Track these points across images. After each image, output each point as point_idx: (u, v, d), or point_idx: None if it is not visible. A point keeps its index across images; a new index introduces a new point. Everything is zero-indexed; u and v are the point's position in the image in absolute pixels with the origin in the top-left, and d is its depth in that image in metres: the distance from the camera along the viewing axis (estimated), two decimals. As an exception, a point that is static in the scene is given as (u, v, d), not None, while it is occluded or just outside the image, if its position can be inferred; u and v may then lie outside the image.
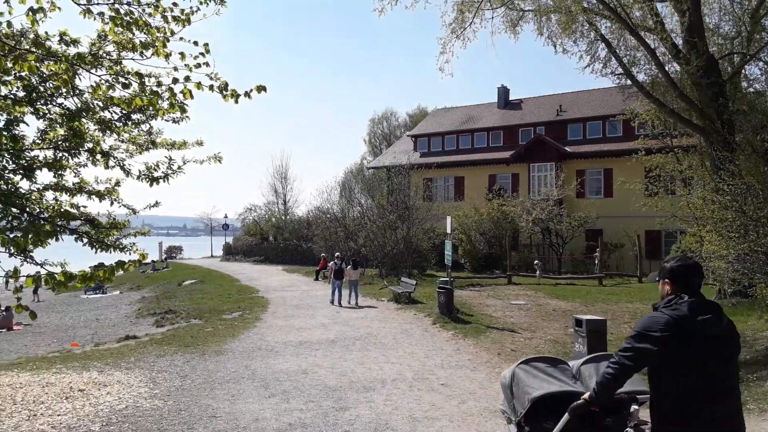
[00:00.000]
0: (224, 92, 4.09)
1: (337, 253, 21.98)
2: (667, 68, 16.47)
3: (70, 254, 4.83)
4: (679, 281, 3.36)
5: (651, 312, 3.37)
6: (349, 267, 20.19)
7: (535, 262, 26.52)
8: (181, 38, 4.23)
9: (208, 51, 4.24)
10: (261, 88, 4.05)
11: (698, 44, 15.01)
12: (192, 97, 4.09)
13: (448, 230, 17.91)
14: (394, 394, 8.55)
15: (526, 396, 4.07)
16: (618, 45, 16.80)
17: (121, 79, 4.33)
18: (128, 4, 3.99)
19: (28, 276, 3.25)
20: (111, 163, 5.00)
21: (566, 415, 3.54)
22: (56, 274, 3.31)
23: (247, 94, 4.13)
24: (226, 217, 57.00)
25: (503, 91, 40.78)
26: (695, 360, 3.15)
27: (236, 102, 4.10)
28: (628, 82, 16.95)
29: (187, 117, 4.79)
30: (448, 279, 17.13)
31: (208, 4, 4.13)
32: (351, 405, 8.02)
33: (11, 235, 4.27)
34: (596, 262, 27.67)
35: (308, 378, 9.62)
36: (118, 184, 5.22)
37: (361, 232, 28.62)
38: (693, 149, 18.52)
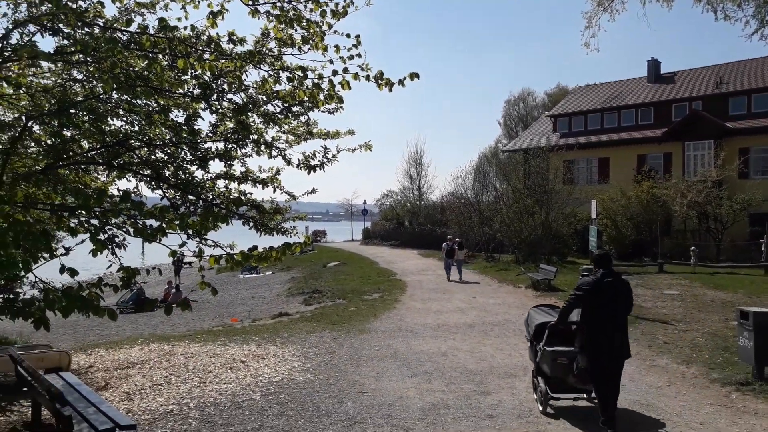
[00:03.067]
0: (379, 81, 4.25)
1: (449, 236, 24.96)
2: None
3: (232, 238, 5.30)
4: (597, 264, 6.75)
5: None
6: (456, 248, 22.72)
7: (692, 249, 24.43)
8: (335, 31, 4.46)
9: (359, 43, 4.42)
10: (414, 75, 4.16)
11: None
12: (350, 87, 4.31)
13: (593, 215, 17.09)
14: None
15: (534, 323, 7.50)
16: (794, 5, 14.85)
17: (286, 74, 4.66)
18: (289, 1, 4.28)
19: (211, 256, 3.64)
20: (273, 153, 5.41)
21: (547, 331, 7.04)
22: (235, 254, 3.67)
23: (401, 82, 4.25)
24: (365, 202, 59.06)
25: (654, 65, 37.72)
26: (602, 302, 6.31)
27: (390, 90, 4.25)
28: (806, 46, 14.96)
29: (341, 107, 5.05)
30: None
31: (360, -5, 4.30)
32: (493, 390, 8.02)
33: (191, 219, 4.79)
34: (763, 249, 24.89)
35: (448, 360, 9.75)
36: (278, 172, 5.63)
37: (497, 218, 28.18)
38: None
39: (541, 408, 7.04)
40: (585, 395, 7.10)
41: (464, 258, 23.93)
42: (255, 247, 4.29)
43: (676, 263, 24.12)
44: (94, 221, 4.37)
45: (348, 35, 4.44)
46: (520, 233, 25.60)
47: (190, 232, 4.54)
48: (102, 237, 4.32)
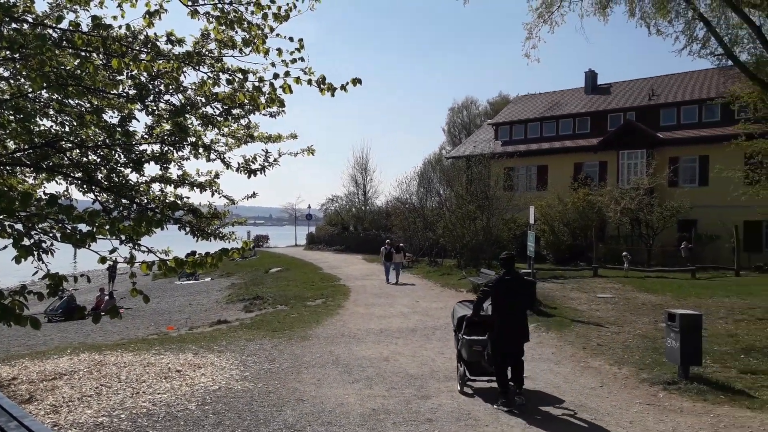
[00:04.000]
0: (321, 86, 4.23)
1: (387, 240, 25.80)
2: (773, 45, 15.27)
3: (168, 243, 5.15)
4: (502, 265, 8.01)
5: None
6: (395, 251, 23.74)
7: (624, 254, 25.47)
8: (277, 35, 4.40)
9: (302, 46, 4.39)
10: (356, 81, 4.16)
11: (811, 20, 13.84)
12: (291, 91, 4.25)
13: (531, 220, 17.54)
14: (476, 385, 8.53)
15: (457, 316, 8.74)
16: (718, 23, 15.76)
17: (225, 76, 4.56)
18: (230, 3, 4.20)
19: (143, 262, 3.51)
20: (212, 156, 5.29)
21: (464, 323, 8.25)
22: (169, 260, 3.56)
23: (344, 87, 4.24)
24: (309, 207, 58.62)
25: (591, 76, 39.20)
26: (505, 296, 7.68)
27: (332, 95, 4.23)
28: (729, 62, 15.87)
29: (283, 111, 4.99)
30: (530, 270, 16.81)
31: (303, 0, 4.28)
32: (433, 393, 8.09)
33: (123, 224, 4.62)
34: (685, 254, 26.25)
35: (390, 365, 9.78)
36: (217, 176, 5.51)
37: (440, 223, 28.54)
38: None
39: (459, 388, 8.27)
40: (497, 381, 7.93)
41: (403, 261, 24.96)
42: (194, 253, 4.17)
43: (610, 267, 25.08)
44: (18, 226, 4.15)
45: (291, 39, 4.40)
46: (462, 238, 26.01)
47: (123, 237, 4.38)
48: (27, 243, 4.11)
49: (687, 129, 31.08)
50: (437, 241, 28.93)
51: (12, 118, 4.88)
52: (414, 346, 11.41)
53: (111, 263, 4.07)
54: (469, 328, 8.19)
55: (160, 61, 4.43)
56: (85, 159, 5.41)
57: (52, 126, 5.34)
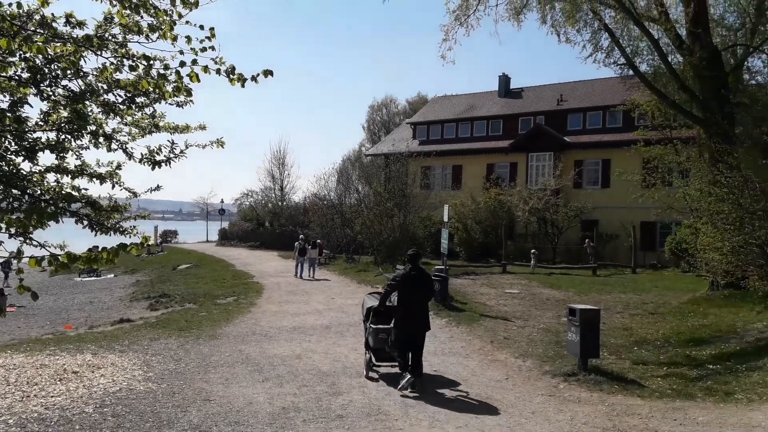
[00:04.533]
0: (231, 76, 4.10)
1: (300, 236, 26.48)
2: (669, 59, 16.49)
3: (67, 237, 4.84)
4: (409, 260, 8.64)
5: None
6: (309, 247, 24.49)
7: (532, 251, 26.63)
8: (187, 22, 4.23)
9: (213, 35, 4.24)
10: (267, 72, 4.07)
11: (702, 35, 15.04)
12: (199, 80, 4.10)
13: (445, 218, 17.97)
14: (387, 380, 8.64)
15: (366, 306, 9.40)
16: (621, 35, 16.81)
17: (129, 62, 4.33)
18: (135, -14, 3.99)
19: (31, 257, 3.27)
20: (113, 146, 4.99)
21: (372, 313, 8.94)
22: (60, 255, 3.34)
23: (254, 78, 4.14)
24: (222, 202, 57.00)
25: (504, 80, 40.65)
26: (409, 290, 8.34)
27: (243, 86, 4.12)
28: (631, 72, 16.98)
29: (191, 101, 4.79)
30: (443, 267, 17.21)
31: (215, -13, 4.13)
32: (344, 390, 8.11)
33: (14, 216, 4.29)
34: (589, 252, 27.84)
35: (302, 363, 9.71)
36: (119, 167, 5.21)
37: (358, 220, 28.66)
38: (692, 141, 18.63)
39: (365, 373, 8.91)
40: (398, 364, 8.62)
41: (318, 258, 25.97)
42: (96, 248, 3.94)
43: (518, 264, 26.16)
44: None
45: (201, 27, 4.24)
46: (380, 235, 26.25)
47: (12, 230, 4.06)
48: None
49: (592, 134, 32.93)
50: (355, 238, 29.04)
51: None
52: (327, 343, 11.39)
53: (4, 259, 3.78)
54: (376, 317, 8.91)
55: (57, 44, 4.14)
56: (-31, 145, 4.97)
57: (-69, 109, 4.86)
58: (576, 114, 34.32)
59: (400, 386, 8.06)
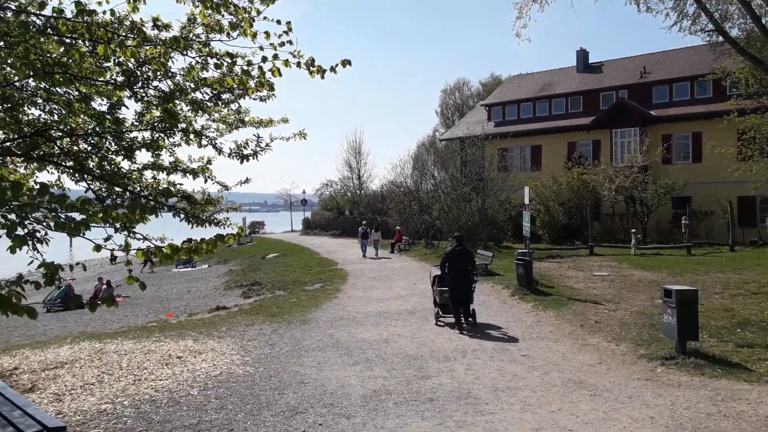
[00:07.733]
0: (311, 68, 4.18)
1: (363, 221, 29.80)
2: (764, 21, 15.20)
3: (163, 231, 5.13)
4: (455, 240, 12.19)
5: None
6: (372, 231, 27.91)
7: (632, 230, 25.41)
8: (264, 18, 4.35)
9: (290, 29, 4.33)
10: (346, 62, 4.12)
11: (802, -8, 13.76)
12: (280, 74, 4.21)
13: (526, 201, 17.54)
14: (475, 365, 8.60)
15: (432, 275, 12.81)
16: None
17: (213, 60, 4.52)
18: (216, -14, 4.14)
19: (138, 249, 3.50)
20: (203, 142, 5.24)
21: (437, 279, 12.29)
22: (164, 247, 3.55)
23: (333, 69, 4.20)
24: (304, 192, 58.62)
25: (582, 55, 39.04)
26: (453, 261, 11.70)
27: (322, 77, 4.19)
28: (720, 38, 15.77)
29: (273, 95, 4.95)
30: (526, 251, 16.86)
31: (290, -19, 4.22)
32: (433, 374, 8.15)
33: (116, 212, 4.59)
34: (684, 230, 26.35)
35: (389, 347, 9.83)
36: (210, 162, 5.47)
37: (435, 205, 28.57)
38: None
39: (435, 321, 11.93)
40: (454, 316, 11.53)
41: (380, 239, 28.81)
42: (190, 240, 4.16)
43: (606, 246, 25.15)
44: (11, 216, 4.13)
45: (278, 21, 4.34)
46: (458, 220, 26.03)
47: (117, 225, 4.36)
48: (21, 232, 4.09)
49: (679, 106, 31.05)
50: (433, 224, 28.97)
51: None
52: (413, 327, 11.48)
53: (112, 252, 4.05)
54: (440, 283, 12.10)
55: (147, 47, 4.38)
56: (75, 147, 5.36)
57: (40, 115, 5.29)
58: (661, 86, 32.43)
59: (455, 328, 11.16)
